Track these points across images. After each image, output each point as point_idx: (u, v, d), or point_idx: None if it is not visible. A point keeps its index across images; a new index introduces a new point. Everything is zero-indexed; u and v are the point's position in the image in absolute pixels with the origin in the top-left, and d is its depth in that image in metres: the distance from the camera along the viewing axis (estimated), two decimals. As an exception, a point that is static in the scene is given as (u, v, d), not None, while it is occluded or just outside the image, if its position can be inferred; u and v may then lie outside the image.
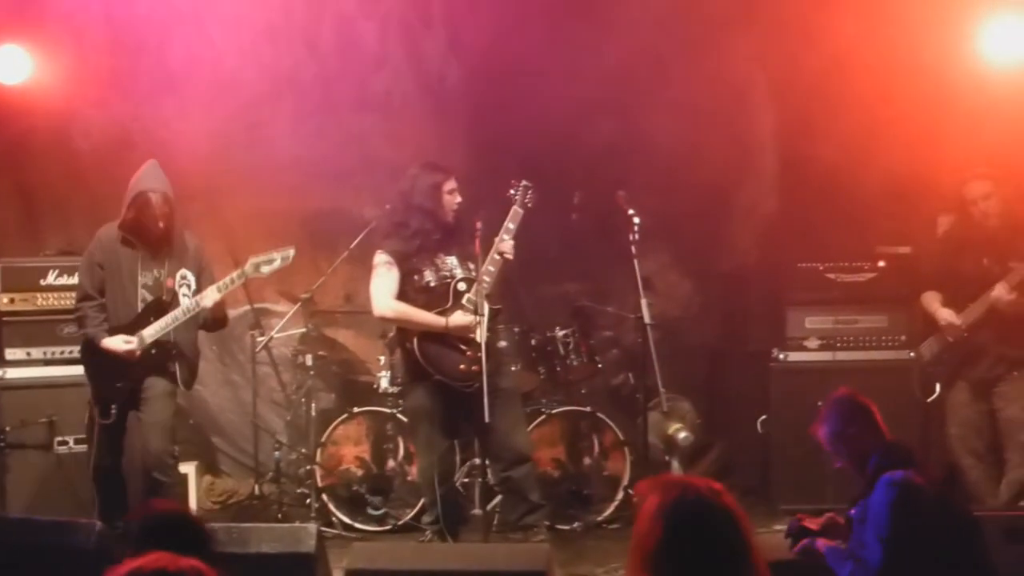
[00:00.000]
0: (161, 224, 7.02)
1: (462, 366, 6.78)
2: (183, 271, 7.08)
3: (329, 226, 8.98)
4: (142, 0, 8.71)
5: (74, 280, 7.53)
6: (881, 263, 8.30)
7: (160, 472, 7.01)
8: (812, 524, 5.04)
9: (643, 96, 8.71)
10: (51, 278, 7.94)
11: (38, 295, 7.82)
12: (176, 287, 7.04)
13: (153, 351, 6.99)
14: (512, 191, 7.00)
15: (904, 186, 8.03)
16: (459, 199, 7.03)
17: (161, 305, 7.01)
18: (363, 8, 8.96)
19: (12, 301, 7.92)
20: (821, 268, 8.33)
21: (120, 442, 7.20)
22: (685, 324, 9.15)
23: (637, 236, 6.73)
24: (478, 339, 6.67)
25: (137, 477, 7.20)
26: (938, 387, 7.53)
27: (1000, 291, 7.17)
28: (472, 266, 6.93)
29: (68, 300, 7.66)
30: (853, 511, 4.82)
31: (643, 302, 6.61)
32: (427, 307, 6.87)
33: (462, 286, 6.91)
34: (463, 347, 6.81)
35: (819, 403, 5.23)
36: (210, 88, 8.74)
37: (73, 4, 8.62)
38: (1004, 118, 7.66)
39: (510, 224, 6.95)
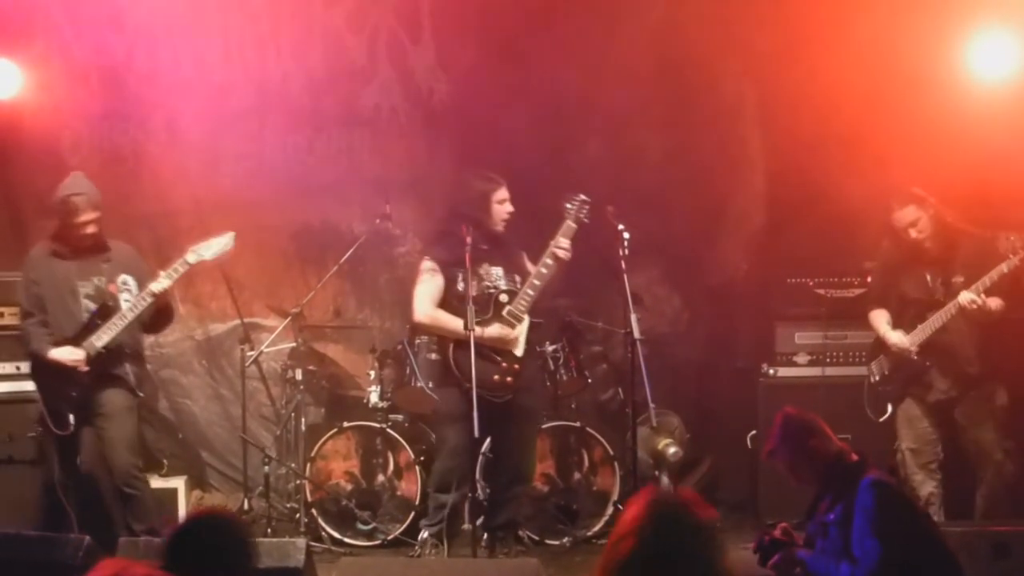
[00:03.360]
0: (89, 229, 6.96)
1: (496, 376, 6.84)
2: (123, 276, 7.02)
3: (318, 240, 8.99)
4: (131, 15, 8.73)
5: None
6: (870, 279, 8.28)
7: (128, 487, 7.01)
8: (779, 536, 5.09)
9: (632, 112, 8.73)
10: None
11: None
12: (118, 292, 6.97)
13: (104, 353, 6.90)
14: (568, 204, 6.92)
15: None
16: (510, 209, 7.03)
17: (107, 311, 6.92)
18: (351, 23, 8.97)
19: (1, 315, 7.89)
20: (811, 283, 8.30)
21: (75, 457, 7.15)
22: (674, 339, 9.15)
23: (627, 251, 6.71)
24: (517, 352, 6.85)
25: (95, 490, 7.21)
26: (889, 407, 7.42)
27: (966, 298, 6.91)
28: (519, 278, 7.00)
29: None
30: (831, 516, 4.90)
31: (632, 317, 6.59)
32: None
33: (504, 298, 6.95)
34: (497, 357, 6.88)
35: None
36: (198, 102, 8.74)
37: (63, 19, 8.64)
38: (992, 131, 7.64)
39: (561, 239, 6.91)
